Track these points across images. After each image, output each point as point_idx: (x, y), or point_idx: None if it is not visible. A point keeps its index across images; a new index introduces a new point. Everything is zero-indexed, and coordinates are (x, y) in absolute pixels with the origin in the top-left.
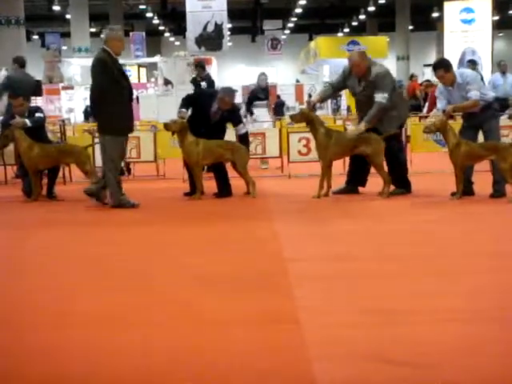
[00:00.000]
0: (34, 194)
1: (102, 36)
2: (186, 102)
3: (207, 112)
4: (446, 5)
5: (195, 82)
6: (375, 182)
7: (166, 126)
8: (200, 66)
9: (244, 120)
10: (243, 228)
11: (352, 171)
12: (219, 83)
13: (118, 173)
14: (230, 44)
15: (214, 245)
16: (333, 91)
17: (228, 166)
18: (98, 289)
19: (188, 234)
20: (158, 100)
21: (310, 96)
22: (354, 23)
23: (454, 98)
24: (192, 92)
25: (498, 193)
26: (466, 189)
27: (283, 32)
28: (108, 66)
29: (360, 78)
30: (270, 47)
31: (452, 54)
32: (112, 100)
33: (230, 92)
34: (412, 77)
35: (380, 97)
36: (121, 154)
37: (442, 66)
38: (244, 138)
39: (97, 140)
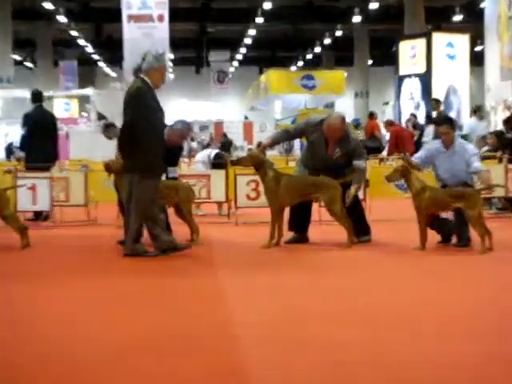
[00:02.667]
0: None
1: (142, 61)
2: None
3: None
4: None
5: None
6: (330, 229)
7: (107, 167)
8: None
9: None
10: (183, 282)
11: (294, 218)
12: None
13: (144, 220)
14: (172, 76)
15: (149, 303)
16: (286, 139)
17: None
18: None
19: (118, 290)
20: (90, 136)
21: (258, 145)
22: (309, 56)
23: (446, 163)
24: None
25: (463, 241)
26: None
27: (231, 64)
28: (147, 99)
29: (330, 142)
30: (216, 80)
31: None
32: (148, 135)
33: (180, 129)
34: (371, 115)
35: (362, 163)
36: (152, 198)
37: (449, 121)
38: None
39: (21, 182)
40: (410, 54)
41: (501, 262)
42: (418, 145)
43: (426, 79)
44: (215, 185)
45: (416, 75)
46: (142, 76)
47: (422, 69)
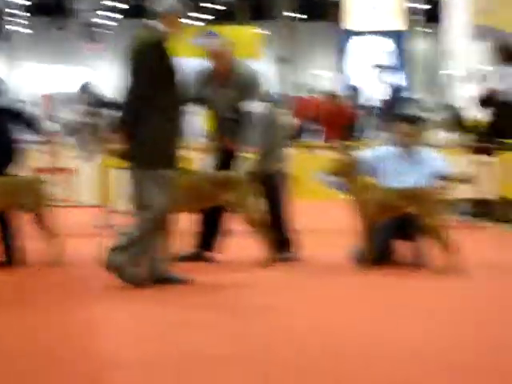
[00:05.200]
0: None
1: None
2: None
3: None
4: None
5: None
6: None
7: None
8: None
9: None
10: (43, 317)
11: (203, 232)
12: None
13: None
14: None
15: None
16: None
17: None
18: None
19: None
20: None
21: None
22: (217, 7)
23: (401, 173)
24: None
25: (416, 261)
26: (380, 253)
27: (109, 16)
28: (166, 57)
29: (221, 81)
30: (87, 38)
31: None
32: (163, 112)
33: None
34: (304, 89)
35: (251, 106)
36: (167, 201)
37: (411, 120)
38: None
39: None
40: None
41: (464, 287)
42: (353, 131)
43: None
44: (81, 183)
45: (379, 33)
46: (148, 22)
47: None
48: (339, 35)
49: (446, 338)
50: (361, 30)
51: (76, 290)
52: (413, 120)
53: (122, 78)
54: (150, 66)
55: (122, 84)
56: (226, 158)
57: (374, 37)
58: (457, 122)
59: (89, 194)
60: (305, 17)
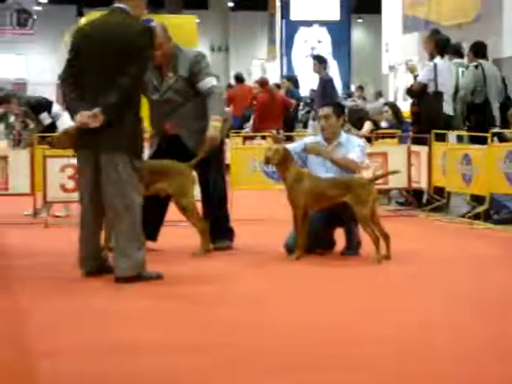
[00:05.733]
0: None
1: None
2: None
3: None
4: None
5: None
6: (178, 232)
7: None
8: None
9: None
10: None
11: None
12: None
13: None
14: None
15: None
16: None
17: None
18: None
19: None
20: None
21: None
22: None
23: (323, 162)
24: None
25: (351, 249)
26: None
27: (37, 1)
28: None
29: (162, 69)
30: (15, 23)
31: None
32: (138, 100)
33: None
34: (238, 78)
35: (212, 82)
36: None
37: (333, 104)
38: None
39: None
40: None
41: (395, 276)
42: (287, 122)
43: (342, 29)
44: (14, 171)
45: (323, 23)
46: (121, 5)
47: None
48: (273, 24)
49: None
50: (298, 19)
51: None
52: (333, 104)
53: (59, 63)
54: (148, 54)
55: (57, 69)
56: (166, 143)
57: (310, 27)
58: (393, 113)
59: (20, 183)
60: (234, 5)
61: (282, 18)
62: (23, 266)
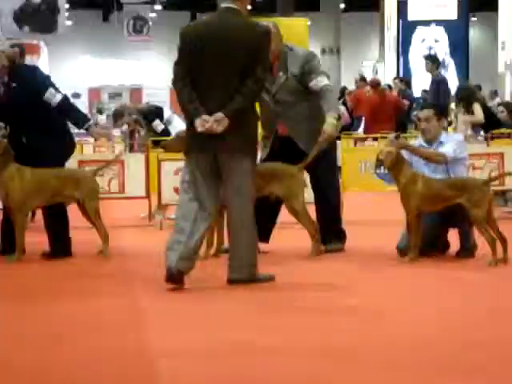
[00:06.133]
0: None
1: None
2: None
3: None
4: None
5: None
6: (290, 233)
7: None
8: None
9: None
10: (91, 307)
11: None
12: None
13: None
14: (69, 23)
15: (49, 336)
16: None
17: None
18: None
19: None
20: None
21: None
22: None
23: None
24: None
25: (466, 252)
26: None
27: (152, 8)
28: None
29: (272, 69)
30: (131, 30)
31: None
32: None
33: None
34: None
35: (324, 80)
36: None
37: (435, 106)
38: None
39: None
40: None
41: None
42: (399, 123)
43: (459, 28)
44: (131, 174)
45: (441, 22)
46: (232, 5)
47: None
48: (387, 25)
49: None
50: (415, 19)
51: (124, 280)
52: (434, 106)
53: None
54: (268, 55)
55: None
56: (278, 145)
57: (427, 27)
58: (508, 112)
59: (136, 186)
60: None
61: (399, 18)
62: (140, 266)
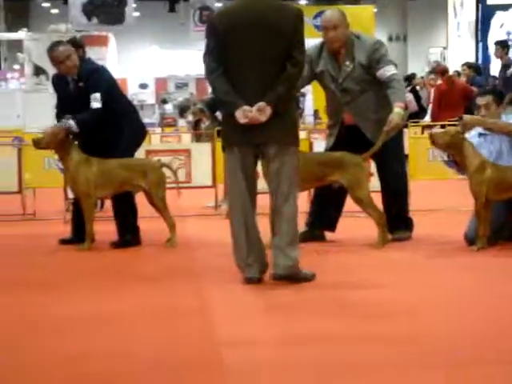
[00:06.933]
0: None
1: None
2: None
3: None
4: None
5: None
6: (355, 223)
7: (35, 142)
8: (74, 44)
9: None
10: (158, 296)
11: (316, 210)
12: (119, 73)
13: None
14: (136, 14)
15: (117, 323)
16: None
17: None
18: None
19: (73, 307)
20: (24, 98)
21: None
22: None
23: (487, 151)
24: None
25: None
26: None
27: None
28: None
29: (339, 57)
30: (197, 20)
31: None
32: None
33: None
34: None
35: (391, 69)
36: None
37: (494, 92)
38: None
39: None
40: None
41: None
42: (468, 111)
43: None
44: (197, 164)
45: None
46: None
47: None
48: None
49: None
50: (494, 3)
51: (190, 269)
52: (493, 92)
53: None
54: (304, 38)
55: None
56: (344, 134)
57: (506, 11)
58: None
59: (202, 175)
60: None
61: (478, 2)
62: (206, 255)
